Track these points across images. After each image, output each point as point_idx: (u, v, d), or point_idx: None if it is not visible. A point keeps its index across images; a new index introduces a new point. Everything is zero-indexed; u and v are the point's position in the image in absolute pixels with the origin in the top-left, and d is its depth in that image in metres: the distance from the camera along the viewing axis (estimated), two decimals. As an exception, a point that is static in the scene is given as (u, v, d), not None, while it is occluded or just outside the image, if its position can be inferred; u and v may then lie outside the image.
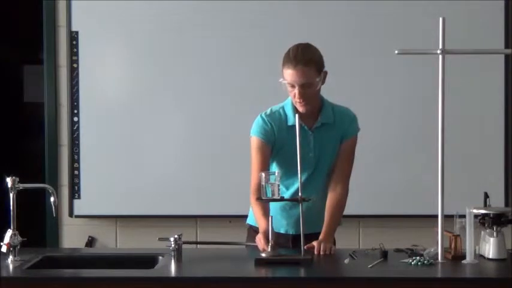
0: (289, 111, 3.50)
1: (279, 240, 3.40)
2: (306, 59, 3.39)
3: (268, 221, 3.29)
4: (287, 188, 3.51)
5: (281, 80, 3.43)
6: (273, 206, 3.50)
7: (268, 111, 3.54)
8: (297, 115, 3.32)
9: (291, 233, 3.56)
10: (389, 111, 4.90)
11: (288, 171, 3.47)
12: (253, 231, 3.61)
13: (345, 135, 3.52)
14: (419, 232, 3.81)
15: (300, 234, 3.29)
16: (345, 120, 3.53)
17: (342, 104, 3.59)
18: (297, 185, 3.34)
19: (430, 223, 3.29)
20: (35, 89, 5.80)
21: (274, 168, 3.52)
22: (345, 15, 4.90)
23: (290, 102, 3.51)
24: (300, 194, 3.25)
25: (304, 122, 3.47)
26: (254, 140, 3.52)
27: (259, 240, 3.36)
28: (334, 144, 3.52)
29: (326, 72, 3.46)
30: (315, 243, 3.35)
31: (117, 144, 4.95)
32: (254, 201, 3.46)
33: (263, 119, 3.52)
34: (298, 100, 3.42)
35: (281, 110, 3.52)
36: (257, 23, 4.87)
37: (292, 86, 3.40)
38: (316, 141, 3.50)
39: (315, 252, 3.31)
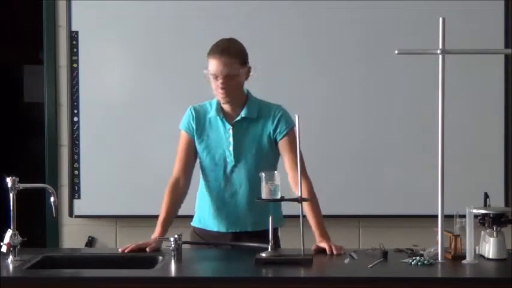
0: (214, 105, 3.53)
1: (214, 239, 3.52)
2: (231, 51, 3.43)
3: (161, 231, 3.41)
4: (215, 179, 3.53)
5: (205, 71, 3.45)
6: (201, 204, 3.59)
7: (197, 104, 3.58)
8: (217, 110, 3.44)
9: (222, 231, 3.54)
10: (389, 111, 4.90)
11: (212, 163, 3.52)
12: (195, 233, 3.62)
13: (278, 132, 3.50)
14: (419, 232, 3.80)
15: (239, 232, 3.48)
16: (270, 116, 3.51)
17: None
18: (221, 177, 3.49)
19: (430, 223, 3.28)
20: (35, 89, 5.79)
21: (204, 158, 3.54)
22: (344, 15, 4.89)
23: None
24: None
25: (226, 116, 3.51)
26: (180, 131, 3.60)
27: (138, 244, 3.39)
28: (258, 139, 3.51)
29: (250, 68, 3.48)
30: (324, 245, 3.33)
31: (117, 145, 4.95)
32: (166, 194, 3.55)
33: (188, 111, 3.57)
34: (220, 91, 3.43)
35: (208, 104, 3.56)
36: (258, 24, 4.86)
37: (215, 77, 3.42)
38: (236, 135, 3.50)
39: (328, 253, 3.30)
